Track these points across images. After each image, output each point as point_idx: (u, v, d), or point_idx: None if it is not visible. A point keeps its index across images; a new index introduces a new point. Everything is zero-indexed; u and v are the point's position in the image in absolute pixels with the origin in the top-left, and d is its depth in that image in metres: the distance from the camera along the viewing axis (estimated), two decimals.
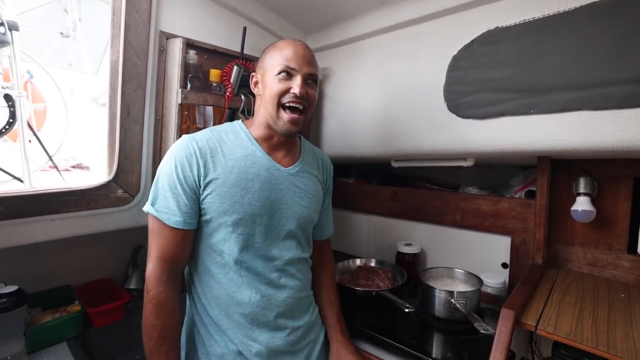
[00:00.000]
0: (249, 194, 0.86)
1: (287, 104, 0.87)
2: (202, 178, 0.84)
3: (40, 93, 3.81)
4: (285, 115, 0.87)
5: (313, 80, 0.90)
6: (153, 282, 0.84)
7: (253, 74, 0.95)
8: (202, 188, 0.84)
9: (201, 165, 0.84)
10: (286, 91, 0.86)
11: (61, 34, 4.00)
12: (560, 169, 1.20)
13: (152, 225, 0.86)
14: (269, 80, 0.88)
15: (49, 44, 3.96)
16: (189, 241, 0.88)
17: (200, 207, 0.87)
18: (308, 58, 0.88)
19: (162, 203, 0.84)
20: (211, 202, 0.85)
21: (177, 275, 0.89)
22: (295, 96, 0.85)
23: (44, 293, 1.15)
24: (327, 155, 1.14)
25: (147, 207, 0.86)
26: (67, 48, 4.09)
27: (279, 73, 0.86)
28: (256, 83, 0.93)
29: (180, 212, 0.83)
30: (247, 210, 0.86)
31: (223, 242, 0.87)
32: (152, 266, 0.85)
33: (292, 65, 0.85)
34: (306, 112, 0.90)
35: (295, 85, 0.85)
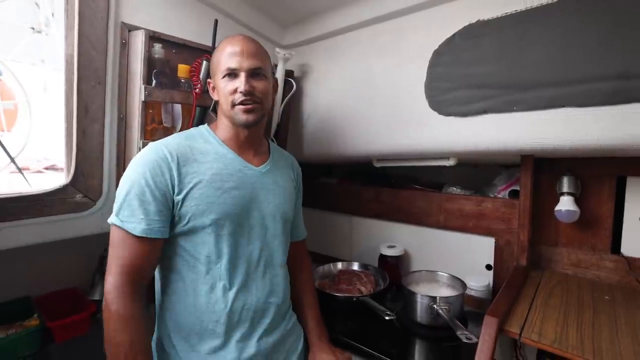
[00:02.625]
0: (224, 194, 0.85)
1: (238, 103, 0.86)
2: (175, 182, 0.81)
3: (10, 91, 3.61)
4: (239, 108, 0.86)
5: (260, 73, 0.87)
6: (114, 298, 0.77)
7: (209, 80, 0.94)
8: (176, 193, 0.81)
9: (174, 169, 0.81)
10: (234, 91, 0.85)
11: (33, 29, 3.79)
12: (543, 168, 1.18)
13: (113, 237, 0.80)
14: (218, 84, 0.88)
15: (20, 40, 3.76)
16: (156, 252, 0.83)
17: (173, 214, 0.83)
18: (248, 52, 0.85)
19: (127, 212, 0.79)
20: (187, 206, 0.82)
21: (141, 289, 0.83)
22: (243, 94, 0.84)
23: None
24: (294, 158, 1.12)
25: (111, 219, 0.80)
26: (40, 44, 3.88)
27: (224, 77, 0.86)
28: (214, 89, 0.92)
29: (147, 220, 0.79)
30: (223, 209, 0.84)
31: (200, 245, 0.84)
32: (112, 280, 0.78)
33: (232, 65, 0.84)
34: (261, 103, 0.88)
35: (240, 84, 0.84)
